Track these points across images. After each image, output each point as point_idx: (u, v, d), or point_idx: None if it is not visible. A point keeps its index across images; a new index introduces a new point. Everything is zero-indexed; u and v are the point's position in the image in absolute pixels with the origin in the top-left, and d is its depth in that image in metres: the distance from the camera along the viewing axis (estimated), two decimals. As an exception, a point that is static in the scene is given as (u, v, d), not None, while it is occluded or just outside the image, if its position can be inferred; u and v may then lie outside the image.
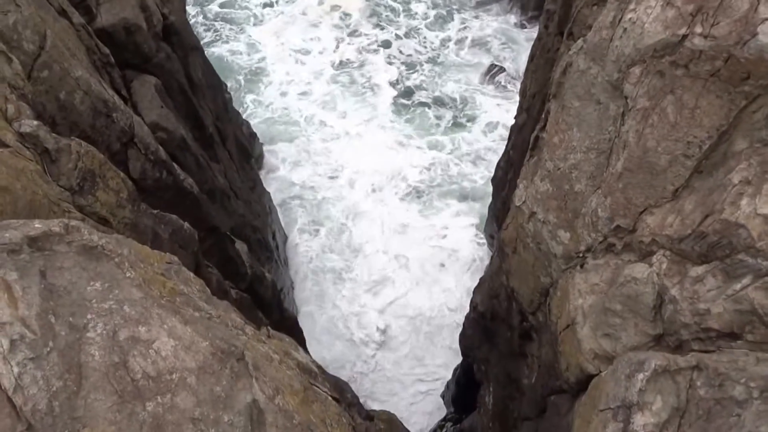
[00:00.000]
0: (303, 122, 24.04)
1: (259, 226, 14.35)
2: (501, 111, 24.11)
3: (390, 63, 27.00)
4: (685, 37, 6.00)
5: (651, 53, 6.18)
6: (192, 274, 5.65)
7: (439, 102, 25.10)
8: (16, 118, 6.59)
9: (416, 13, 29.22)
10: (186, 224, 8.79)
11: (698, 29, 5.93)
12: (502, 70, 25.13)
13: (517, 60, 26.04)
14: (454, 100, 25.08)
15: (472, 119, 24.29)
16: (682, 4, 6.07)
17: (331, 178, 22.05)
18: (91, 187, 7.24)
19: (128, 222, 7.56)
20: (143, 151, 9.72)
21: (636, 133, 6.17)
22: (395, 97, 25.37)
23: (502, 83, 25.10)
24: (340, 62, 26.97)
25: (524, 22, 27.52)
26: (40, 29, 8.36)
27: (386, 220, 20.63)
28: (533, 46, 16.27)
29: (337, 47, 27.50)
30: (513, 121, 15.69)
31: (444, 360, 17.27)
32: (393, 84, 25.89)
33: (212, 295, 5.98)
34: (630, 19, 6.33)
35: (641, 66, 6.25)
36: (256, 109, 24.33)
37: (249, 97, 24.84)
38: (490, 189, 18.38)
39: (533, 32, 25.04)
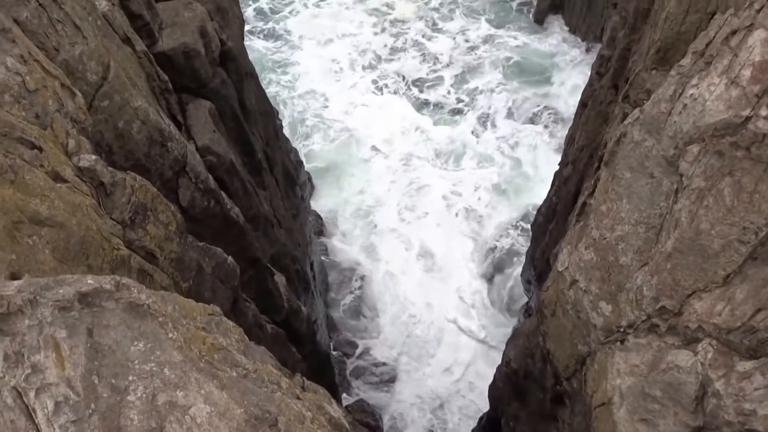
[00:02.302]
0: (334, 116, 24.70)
1: (299, 257, 14.46)
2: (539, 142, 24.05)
3: (425, 63, 27.14)
4: (748, 119, 5.88)
5: (711, 132, 6.06)
6: (231, 324, 5.72)
7: (469, 110, 25.23)
8: (76, 152, 6.79)
9: (465, 24, 28.90)
10: (229, 258, 8.90)
11: (763, 112, 5.81)
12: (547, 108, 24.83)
13: (565, 92, 25.52)
14: (492, 119, 25.08)
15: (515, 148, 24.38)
16: (748, 84, 5.94)
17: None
18: (143, 221, 7.40)
19: (174, 256, 7.69)
20: (194, 179, 9.90)
21: (689, 214, 6.04)
22: (423, 101, 25.72)
23: (544, 119, 24.76)
24: (378, 57, 27.39)
25: (580, 48, 26.76)
26: (104, 60, 8.62)
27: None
28: (584, 92, 16.11)
29: (379, 42, 27.88)
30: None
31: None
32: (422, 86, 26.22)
33: (248, 333, 6.06)
34: (691, 95, 6.23)
35: (699, 144, 6.13)
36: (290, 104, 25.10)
37: (282, 91, 25.59)
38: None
39: (586, 64, 24.92)
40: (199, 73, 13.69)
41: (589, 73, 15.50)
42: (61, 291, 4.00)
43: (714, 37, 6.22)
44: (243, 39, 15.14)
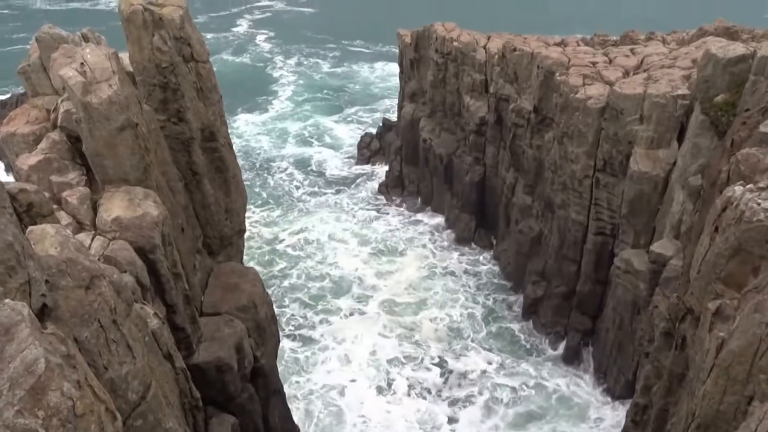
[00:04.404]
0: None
1: None
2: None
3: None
4: None
5: None
6: None
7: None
8: (103, 480, 6.62)
9: (489, 353, 29.01)
10: None
11: None
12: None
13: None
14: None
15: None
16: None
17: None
18: None
19: None
20: None
21: None
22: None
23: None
24: (399, 365, 27.68)
25: (611, 392, 26.01)
26: (146, 380, 8.82)
27: None
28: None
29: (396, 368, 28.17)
30: None
31: None
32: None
33: None
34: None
35: None
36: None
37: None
38: None
39: (616, 408, 24.47)
40: (228, 387, 13.83)
41: (624, 422, 15.27)
42: None
43: (756, 430, 6.26)
44: (276, 357, 15.56)
